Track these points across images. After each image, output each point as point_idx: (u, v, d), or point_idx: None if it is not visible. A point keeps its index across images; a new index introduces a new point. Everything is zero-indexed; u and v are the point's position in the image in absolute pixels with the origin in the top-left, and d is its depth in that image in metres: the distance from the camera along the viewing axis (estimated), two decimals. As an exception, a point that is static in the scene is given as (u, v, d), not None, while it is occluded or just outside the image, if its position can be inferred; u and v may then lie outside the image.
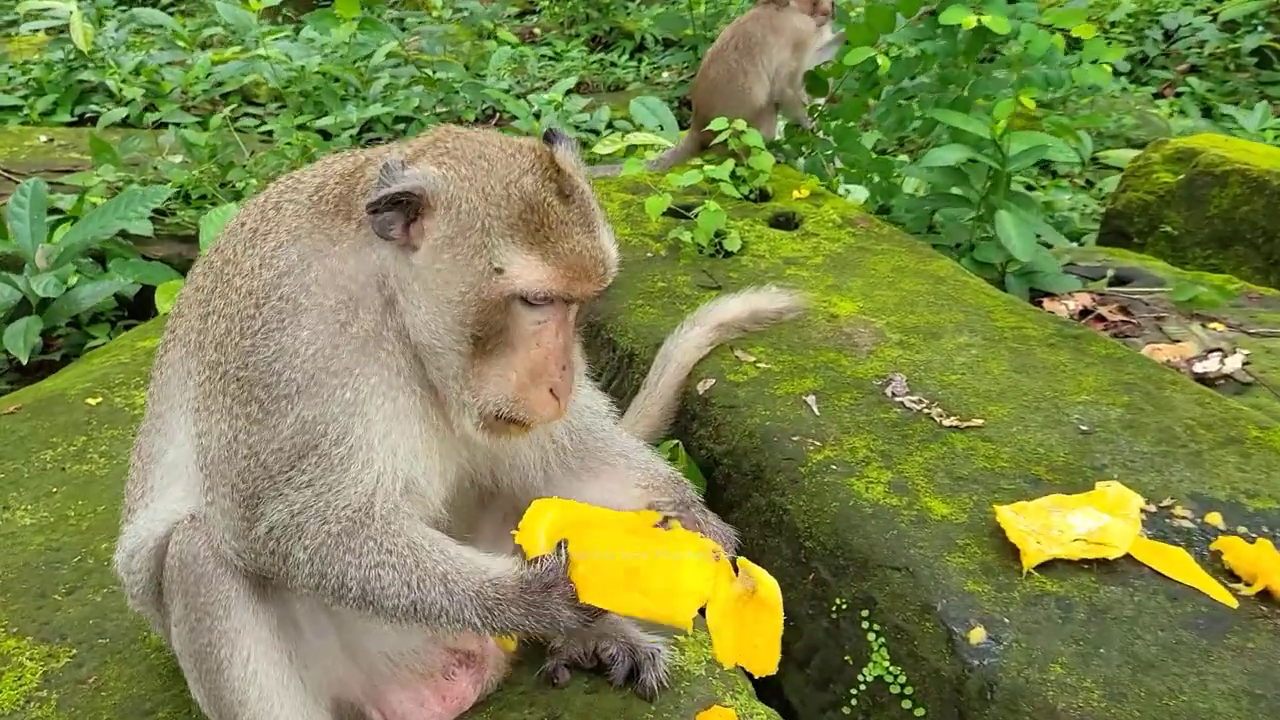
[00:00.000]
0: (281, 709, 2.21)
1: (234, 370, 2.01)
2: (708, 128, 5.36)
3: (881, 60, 5.20)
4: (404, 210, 1.95)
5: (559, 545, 2.06)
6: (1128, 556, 2.76)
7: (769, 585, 2.07)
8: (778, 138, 6.33)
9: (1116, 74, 10.22)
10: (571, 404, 2.18)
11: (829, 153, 5.93)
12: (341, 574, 2.04)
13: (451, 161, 2.00)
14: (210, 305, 2.10)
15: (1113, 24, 11.10)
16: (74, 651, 2.71)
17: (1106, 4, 11.08)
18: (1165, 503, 2.99)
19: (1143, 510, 2.91)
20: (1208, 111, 9.66)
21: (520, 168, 1.99)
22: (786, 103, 6.11)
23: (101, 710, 2.54)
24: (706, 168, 4.94)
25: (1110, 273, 5.04)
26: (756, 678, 2.17)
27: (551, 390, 2.06)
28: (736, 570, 2.11)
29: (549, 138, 2.22)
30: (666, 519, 2.19)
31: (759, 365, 3.75)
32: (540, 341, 2.03)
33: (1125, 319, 4.65)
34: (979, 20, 4.70)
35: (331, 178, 2.11)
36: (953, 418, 3.39)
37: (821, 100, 6.08)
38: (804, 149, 6.22)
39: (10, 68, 9.25)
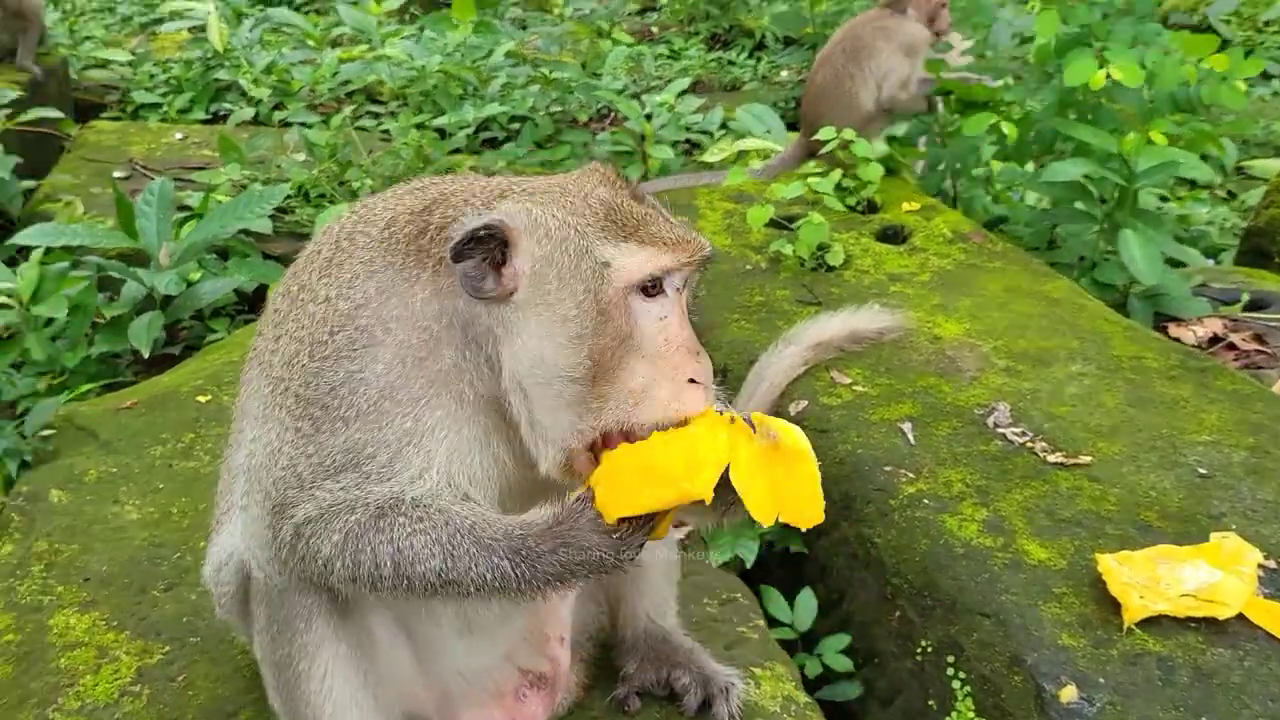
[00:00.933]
0: None
1: (295, 387, 2.03)
2: (815, 136, 5.23)
3: (1008, 129, 4.98)
4: (489, 254, 1.92)
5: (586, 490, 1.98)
6: (1240, 617, 2.58)
7: (791, 432, 1.92)
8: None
9: (1266, 76, 9.60)
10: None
11: (941, 165, 5.71)
12: (375, 554, 1.98)
13: (523, 195, 2.00)
14: (284, 328, 2.12)
15: (1266, 24, 10.42)
16: (166, 648, 2.81)
17: (1260, 2, 10.40)
18: (1288, 559, 2.77)
19: (1261, 566, 2.72)
20: (1372, 117, 8.96)
21: (592, 183, 2.02)
22: (901, 108, 5.89)
23: (188, 709, 2.63)
24: (810, 179, 4.82)
25: (1245, 296, 4.71)
26: (804, 530, 1.99)
27: (692, 380, 1.95)
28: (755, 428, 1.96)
29: None
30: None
31: (855, 388, 3.64)
32: (669, 337, 1.96)
33: (1259, 348, 4.34)
34: (1109, 76, 4.42)
35: (402, 214, 2.10)
36: (1058, 454, 3.23)
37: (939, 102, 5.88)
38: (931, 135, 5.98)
39: (153, 65, 9.70)
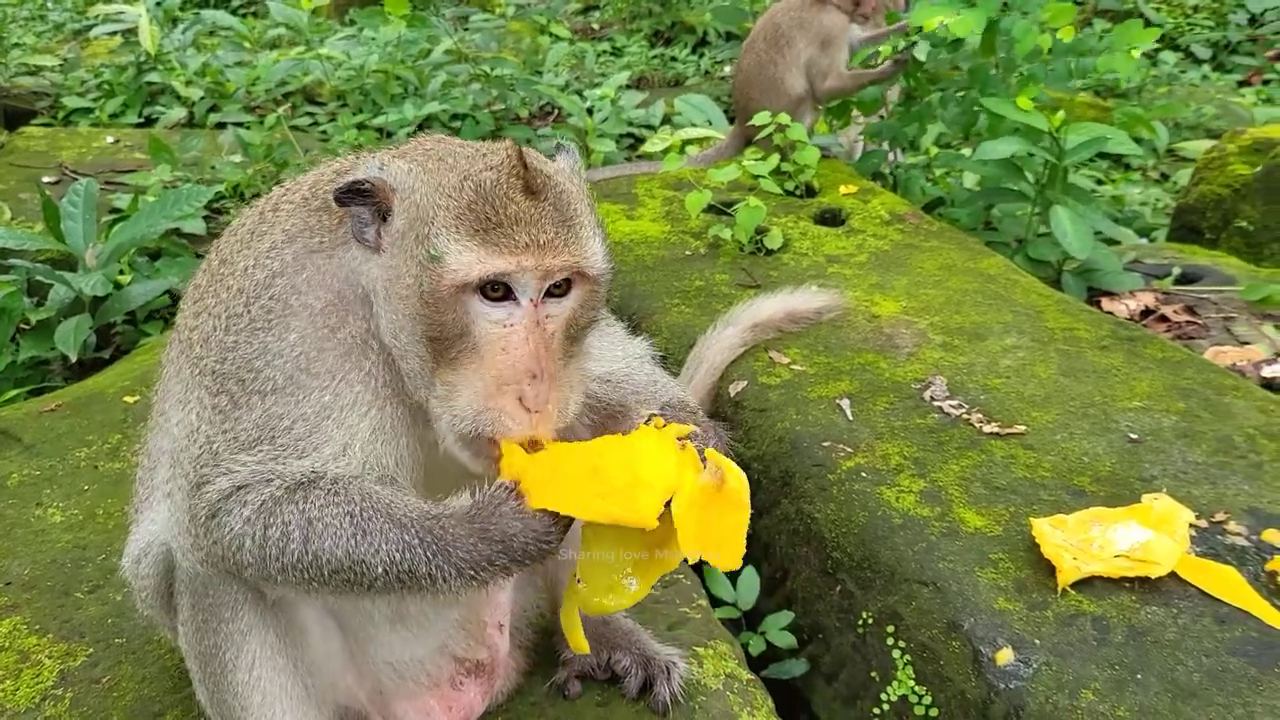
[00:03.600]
0: (283, 716, 2.18)
1: (212, 363, 1.96)
2: (750, 122, 5.23)
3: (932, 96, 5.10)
4: (371, 207, 1.89)
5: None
6: (1173, 575, 2.59)
7: (737, 476, 1.92)
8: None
9: (1197, 61, 9.80)
10: (556, 417, 1.91)
11: (881, 141, 5.77)
12: (285, 525, 1.89)
13: (421, 158, 1.93)
14: (203, 304, 2.07)
15: (1195, 8, 10.64)
16: (91, 650, 2.72)
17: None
18: (1218, 517, 2.80)
19: (1192, 525, 2.74)
20: (1300, 99, 9.17)
21: (485, 164, 1.88)
22: (824, 95, 5.88)
23: (113, 711, 2.54)
24: (746, 163, 4.82)
25: (1176, 270, 4.79)
26: (724, 571, 2.00)
27: (520, 399, 1.85)
28: (705, 462, 1.94)
29: (556, 150, 2.13)
30: (651, 417, 2.03)
31: (793, 367, 3.64)
32: (506, 346, 1.85)
33: (1191, 319, 4.41)
34: (942, 23, 4.54)
35: (327, 174, 2.07)
36: (993, 424, 3.24)
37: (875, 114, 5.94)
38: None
39: (85, 70, 9.50)
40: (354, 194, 1.87)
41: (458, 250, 1.80)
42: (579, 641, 2.10)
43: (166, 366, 2.28)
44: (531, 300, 1.86)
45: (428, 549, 1.87)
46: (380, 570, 1.89)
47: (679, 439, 1.93)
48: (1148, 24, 5.50)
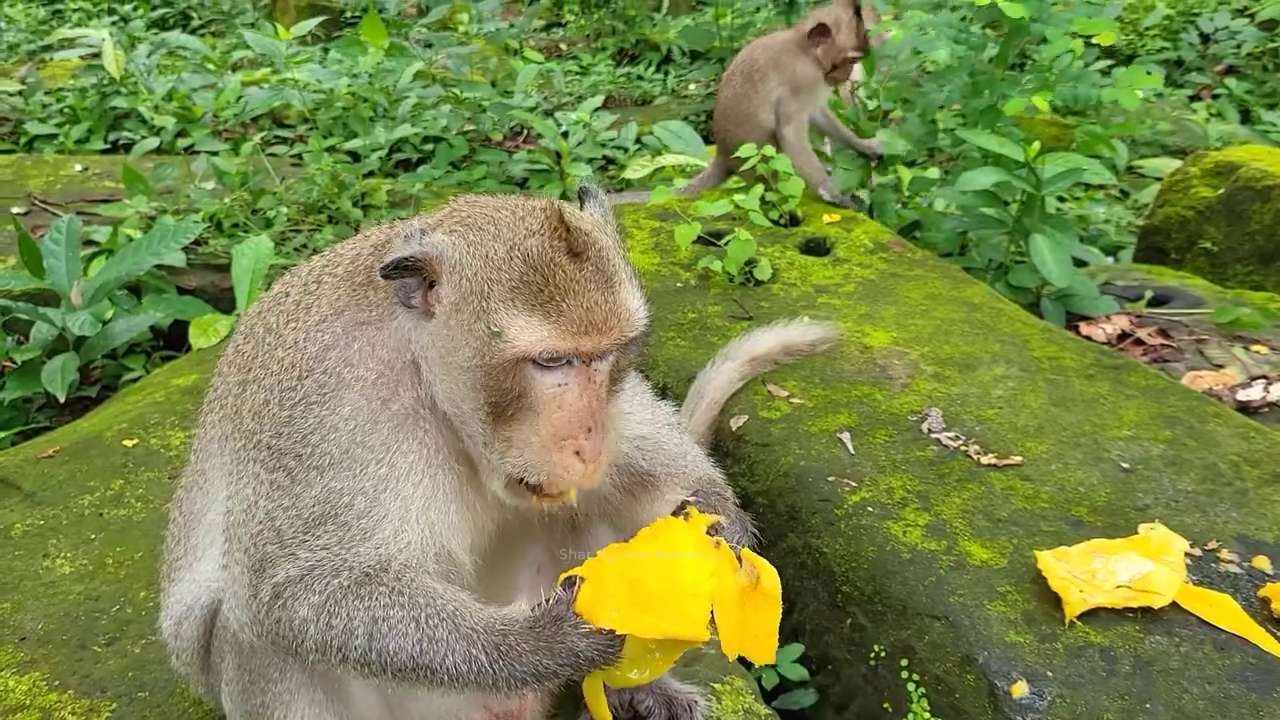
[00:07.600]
0: None
1: (268, 439, 2.00)
2: (734, 154, 5.32)
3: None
4: (419, 277, 1.94)
5: (567, 580, 2.00)
6: (1173, 604, 2.70)
7: (771, 575, 2.02)
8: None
9: (1150, 78, 10.07)
10: (604, 466, 2.02)
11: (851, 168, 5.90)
12: (349, 620, 1.96)
13: (461, 229, 1.97)
14: (250, 373, 2.09)
15: (1147, 28, 10.94)
16: (114, 705, 2.72)
17: (1140, 7, 10.92)
18: (1210, 546, 2.93)
19: (1186, 554, 2.85)
20: (1247, 115, 9.47)
21: (527, 229, 1.93)
22: (778, 139, 5.82)
23: (141, 767, 2.55)
24: (735, 196, 4.91)
25: (1148, 293, 4.95)
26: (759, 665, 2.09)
27: (578, 453, 1.95)
28: (740, 561, 2.05)
29: (582, 195, 2.19)
30: (684, 505, 2.12)
31: (792, 400, 3.72)
32: (562, 404, 1.93)
33: (1165, 342, 4.57)
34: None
35: (366, 249, 2.11)
36: (990, 455, 3.34)
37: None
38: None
39: (46, 94, 9.36)
40: (400, 270, 1.92)
41: (519, 327, 1.87)
42: (603, 714, 2.17)
43: (208, 429, 2.30)
44: (587, 363, 1.95)
45: (494, 663, 1.96)
46: (445, 677, 1.98)
47: (709, 530, 2.01)
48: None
